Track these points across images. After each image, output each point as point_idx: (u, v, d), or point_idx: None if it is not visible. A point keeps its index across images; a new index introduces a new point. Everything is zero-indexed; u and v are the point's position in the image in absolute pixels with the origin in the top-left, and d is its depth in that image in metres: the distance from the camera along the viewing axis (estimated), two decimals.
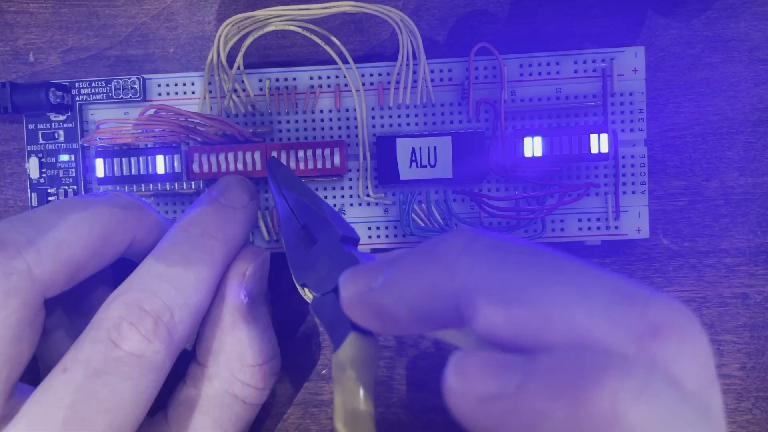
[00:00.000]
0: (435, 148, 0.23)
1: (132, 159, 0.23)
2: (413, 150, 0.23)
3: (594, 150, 0.22)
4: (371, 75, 0.24)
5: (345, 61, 0.23)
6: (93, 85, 0.24)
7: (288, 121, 0.24)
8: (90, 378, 0.17)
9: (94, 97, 0.24)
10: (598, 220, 0.23)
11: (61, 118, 0.24)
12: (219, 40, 0.22)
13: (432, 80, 0.23)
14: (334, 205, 0.24)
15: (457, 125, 0.24)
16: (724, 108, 0.24)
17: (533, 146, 0.22)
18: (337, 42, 0.23)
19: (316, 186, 0.24)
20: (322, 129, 0.24)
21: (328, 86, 0.24)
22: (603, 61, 0.23)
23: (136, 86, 0.24)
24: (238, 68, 0.23)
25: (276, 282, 0.24)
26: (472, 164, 0.23)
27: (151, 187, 0.24)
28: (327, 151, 0.23)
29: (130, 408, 0.18)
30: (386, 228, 0.24)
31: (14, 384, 0.18)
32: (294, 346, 0.25)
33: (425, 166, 0.23)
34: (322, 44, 0.22)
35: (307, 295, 0.19)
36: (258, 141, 0.23)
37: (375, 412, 0.18)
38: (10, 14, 0.26)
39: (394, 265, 0.16)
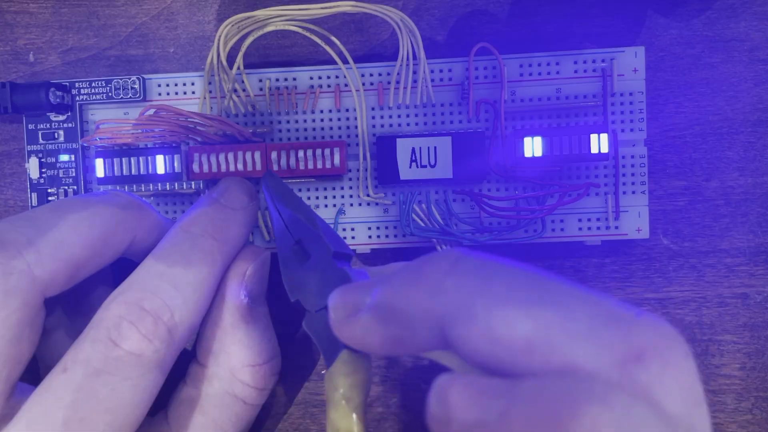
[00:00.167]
0: (435, 148, 0.23)
1: (132, 159, 0.23)
2: (413, 150, 0.23)
3: (594, 150, 0.22)
4: (371, 75, 0.24)
5: (345, 61, 0.23)
6: (93, 85, 0.24)
7: (288, 121, 0.24)
8: (90, 377, 0.17)
9: (94, 97, 0.24)
10: (598, 220, 0.23)
11: (61, 118, 0.24)
12: (219, 40, 0.22)
13: (432, 80, 0.23)
14: (334, 206, 0.24)
15: (457, 125, 0.24)
16: (724, 108, 0.24)
17: (533, 146, 0.22)
18: (337, 42, 0.23)
19: (316, 186, 0.24)
20: (322, 129, 0.24)
21: (328, 86, 0.24)
22: (603, 61, 0.23)
23: (136, 86, 0.24)
24: (238, 68, 0.23)
25: (277, 282, 0.24)
26: (472, 164, 0.23)
27: (151, 187, 0.24)
28: (327, 151, 0.23)
29: (130, 408, 0.18)
30: (386, 228, 0.24)
31: (14, 384, 0.18)
32: (294, 346, 0.25)
33: (425, 166, 0.23)
34: (322, 44, 0.22)
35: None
36: (258, 141, 0.23)
37: (366, 429, 0.18)
38: (10, 14, 0.26)
39: (380, 286, 0.16)
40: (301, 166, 0.23)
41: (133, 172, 0.23)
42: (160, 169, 0.23)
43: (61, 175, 0.25)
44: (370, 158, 0.24)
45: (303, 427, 0.25)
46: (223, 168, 0.23)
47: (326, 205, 0.24)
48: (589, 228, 0.23)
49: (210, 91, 0.24)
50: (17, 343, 0.17)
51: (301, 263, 0.20)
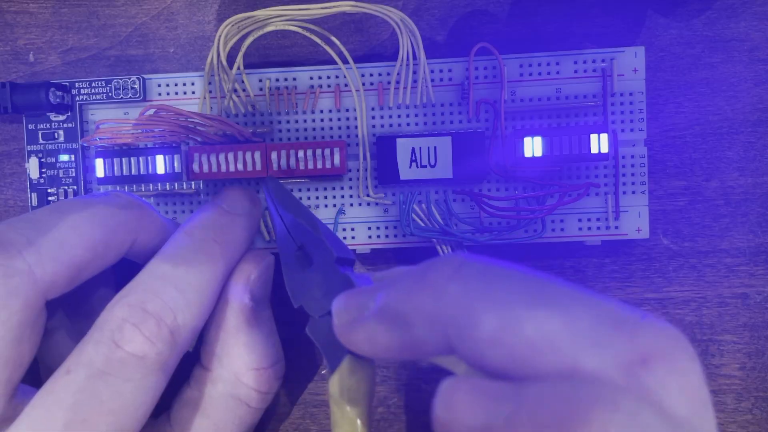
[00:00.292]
0: (435, 148, 0.23)
1: (132, 159, 0.23)
2: (413, 150, 0.23)
3: (594, 150, 0.22)
4: (371, 75, 0.24)
5: (345, 61, 0.23)
6: (93, 85, 0.24)
7: (288, 121, 0.24)
8: (92, 379, 0.17)
9: (94, 97, 0.24)
10: (598, 220, 0.23)
11: (61, 118, 0.24)
12: (219, 40, 0.22)
13: (432, 80, 0.23)
14: (334, 206, 0.24)
15: (457, 125, 0.24)
16: (724, 108, 0.24)
17: (533, 146, 0.22)
18: (337, 42, 0.23)
19: (316, 186, 0.24)
20: (322, 129, 0.24)
21: (328, 86, 0.24)
22: (603, 61, 0.23)
23: (136, 86, 0.24)
24: (238, 68, 0.23)
25: (278, 283, 0.24)
26: (472, 164, 0.23)
27: (151, 187, 0.24)
28: (327, 151, 0.23)
29: (133, 409, 0.18)
30: (386, 228, 0.24)
31: (16, 385, 0.18)
32: (294, 347, 0.25)
33: (425, 166, 0.23)
34: (322, 44, 0.22)
35: None
36: (258, 141, 0.23)
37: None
38: (10, 14, 0.26)
39: (384, 291, 0.16)
40: (301, 166, 0.23)
41: (133, 172, 0.23)
42: (160, 169, 0.23)
43: (61, 175, 0.25)
44: (370, 158, 0.24)
45: (303, 428, 0.25)
46: (223, 168, 0.23)
47: (326, 205, 0.24)
48: (589, 228, 0.23)
49: (210, 91, 0.24)
50: (18, 344, 0.17)
51: (304, 269, 0.20)
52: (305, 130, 0.24)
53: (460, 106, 0.23)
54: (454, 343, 0.14)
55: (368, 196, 0.24)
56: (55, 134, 0.25)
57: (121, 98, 0.24)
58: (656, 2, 0.24)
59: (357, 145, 0.24)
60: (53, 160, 0.25)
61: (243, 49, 0.22)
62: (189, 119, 0.22)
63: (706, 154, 0.24)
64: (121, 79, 0.24)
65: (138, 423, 0.18)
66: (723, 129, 0.24)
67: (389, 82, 0.23)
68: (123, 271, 0.21)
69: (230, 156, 0.23)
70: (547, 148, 0.22)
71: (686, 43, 0.24)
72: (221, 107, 0.24)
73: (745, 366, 0.24)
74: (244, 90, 0.24)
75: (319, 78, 0.24)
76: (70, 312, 0.22)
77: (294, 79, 0.24)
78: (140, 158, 0.23)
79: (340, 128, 0.24)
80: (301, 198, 0.24)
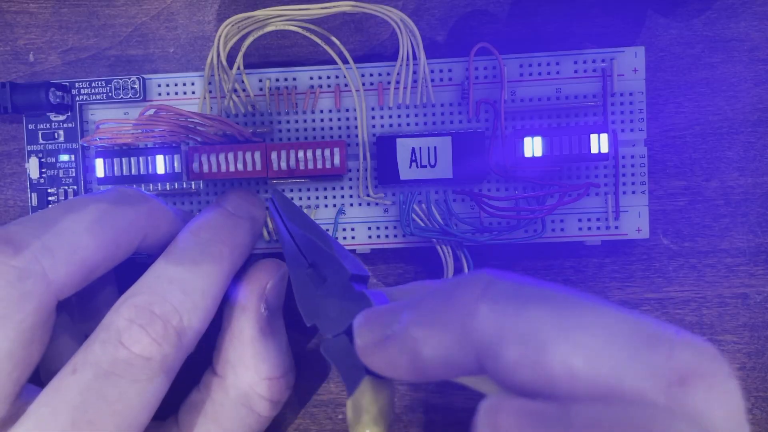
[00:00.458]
0: (435, 148, 0.23)
1: (132, 159, 0.23)
2: (413, 150, 0.23)
3: (594, 150, 0.22)
4: (371, 75, 0.24)
5: (345, 61, 0.23)
6: (93, 85, 0.24)
7: (288, 121, 0.24)
8: (98, 379, 0.17)
9: (94, 97, 0.24)
10: (598, 220, 0.23)
11: (61, 118, 0.24)
12: (219, 40, 0.22)
13: (432, 80, 0.23)
14: (334, 206, 0.24)
15: (457, 125, 0.24)
16: (724, 108, 0.24)
17: (533, 146, 0.22)
18: (337, 42, 0.23)
19: (316, 186, 0.24)
20: (322, 129, 0.24)
21: (328, 86, 0.24)
22: (603, 61, 0.23)
23: (136, 86, 0.24)
24: (238, 68, 0.23)
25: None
26: (472, 164, 0.23)
27: (151, 187, 0.24)
28: (327, 151, 0.23)
29: (138, 410, 0.18)
30: (386, 228, 0.24)
31: (22, 385, 0.18)
32: (294, 347, 0.25)
33: (425, 166, 0.23)
34: (322, 44, 0.22)
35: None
36: (258, 141, 0.23)
37: None
38: (10, 14, 0.26)
39: (409, 311, 0.15)
40: (301, 167, 0.23)
41: (133, 172, 0.23)
42: (160, 169, 0.23)
43: (61, 175, 0.25)
44: (370, 158, 0.24)
45: (303, 428, 0.25)
46: (223, 168, 0.23)
47: (326, 205, 0.24)
48: (589, 228, 0.23)
49: (210, 91, 0.24)
50: (29, 346, 0.17)
51: (317, 287, 0.19)
52: (305, 130, 0.24)
53: (460, 106, 0.23)
54: (485, 364, 0.14)
55: (368, 196, 0.24)
56: (55, 134, 0.25)
57: (121, 98, 0.24)
58: (656, 2, 0.24)
59: (357, 145, 0.24)
60: (53, 160, 0.25)
61: (243, 49, 0.22)
62: (189, 119, 0.22)
63: (706, 154, 0.24)
64: (121, 79, 0.24)
65: (142, 423, 0.18)
66: (723, 129, 0.24)
67: (389, 82, 0.23)
68: (124, 269, 0.21)
69: (230, 156, 0.23)
70: (547, 148, 0.22)
71: (686, 43, 0.24)
72: (221, 107, 0.24)
73: (745, 366, 0.24)
74: (244, 90, 0.24)
75: (319, 78, 0.24)
76: (72, 310, 0.22)
77: (294, 79, 0.24)
78: (140, 158, 0.23)
79: (340, 128, 0.24)
80: (301, 198, 0.24)
